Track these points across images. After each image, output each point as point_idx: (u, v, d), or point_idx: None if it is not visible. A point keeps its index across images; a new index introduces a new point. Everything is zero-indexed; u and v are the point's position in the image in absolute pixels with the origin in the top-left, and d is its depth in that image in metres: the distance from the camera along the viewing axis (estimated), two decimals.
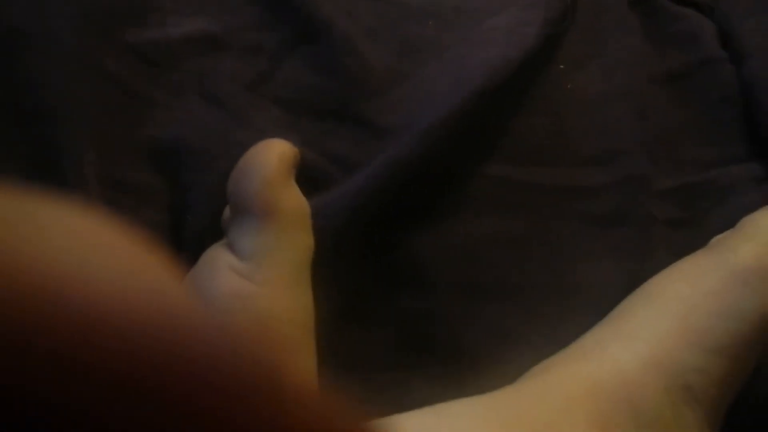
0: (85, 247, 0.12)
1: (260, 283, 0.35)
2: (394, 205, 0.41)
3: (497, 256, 0.42)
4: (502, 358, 0.41)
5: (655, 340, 0.37)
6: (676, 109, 0.47)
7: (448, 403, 0.34)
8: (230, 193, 0.36)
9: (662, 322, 0.38)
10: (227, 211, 0.38)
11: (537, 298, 0.42)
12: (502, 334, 0.41)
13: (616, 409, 0.35)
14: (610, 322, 0.40)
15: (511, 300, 0.42)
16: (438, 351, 0.41)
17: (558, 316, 0.42)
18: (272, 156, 0.35)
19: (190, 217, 0.40)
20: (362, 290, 0.41)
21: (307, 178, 0.40)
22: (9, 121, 0.39)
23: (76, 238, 0.12)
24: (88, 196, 0.39)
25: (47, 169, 0.39)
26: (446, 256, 0.42)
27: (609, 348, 0.37)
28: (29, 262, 0.11)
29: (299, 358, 0.35)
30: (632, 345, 0.37)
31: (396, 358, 0.40)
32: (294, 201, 0.36)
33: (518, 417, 0.34)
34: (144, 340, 0.11)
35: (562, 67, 0.47)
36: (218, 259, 0.35)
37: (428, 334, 0.41)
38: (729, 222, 0.44)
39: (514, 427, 0.33)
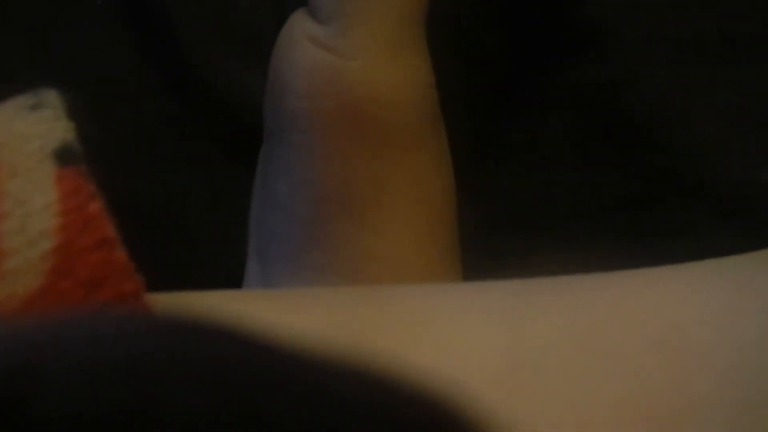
0: None
1: (347, 54, 0.24)
2: None
3: None
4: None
5: None
6: None
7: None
8: None
9: None
10: None
11: None
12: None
13: None
14: None
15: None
16: (642, 140, 0.28)
17: None
18: None
19: None
20: (520, 63, 0.29)
21: None
22: None
23: None
24: None
25: None
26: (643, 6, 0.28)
27: None
28: None
29: (417, 155, 0.25)
30: None
31: (581, 150, 0.28)
32: None
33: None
34: None
35: None
36: (294, 29, 0.25)
37: (626, 112, 0.28)
38: None
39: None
